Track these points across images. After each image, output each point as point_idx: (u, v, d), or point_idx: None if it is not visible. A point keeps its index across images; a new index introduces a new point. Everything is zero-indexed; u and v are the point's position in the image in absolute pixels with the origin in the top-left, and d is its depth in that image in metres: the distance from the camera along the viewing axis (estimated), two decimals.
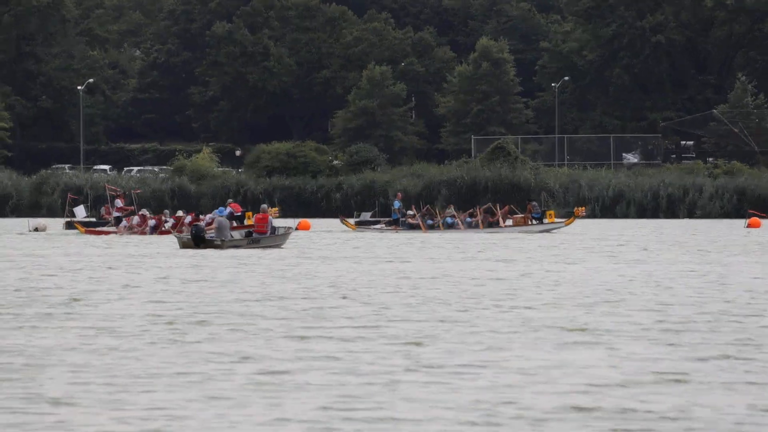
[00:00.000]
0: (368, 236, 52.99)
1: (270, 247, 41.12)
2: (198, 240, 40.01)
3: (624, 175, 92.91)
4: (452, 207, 60.73)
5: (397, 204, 60.21)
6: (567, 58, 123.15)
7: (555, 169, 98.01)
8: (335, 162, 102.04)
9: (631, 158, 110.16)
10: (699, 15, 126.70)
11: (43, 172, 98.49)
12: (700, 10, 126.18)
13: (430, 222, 57.61)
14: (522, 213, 58.56)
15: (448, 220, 57.23)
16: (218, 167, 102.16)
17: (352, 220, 63.85)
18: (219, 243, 40.13)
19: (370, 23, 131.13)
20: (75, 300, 21.66)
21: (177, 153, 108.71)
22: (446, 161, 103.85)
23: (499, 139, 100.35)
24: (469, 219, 57.30)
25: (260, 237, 41.97)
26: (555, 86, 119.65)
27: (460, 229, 56.46)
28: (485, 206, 59.80)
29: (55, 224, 66.41)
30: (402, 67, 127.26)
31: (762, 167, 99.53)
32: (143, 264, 32.48)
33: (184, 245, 40.17)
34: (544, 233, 55.54)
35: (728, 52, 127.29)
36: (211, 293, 23.15)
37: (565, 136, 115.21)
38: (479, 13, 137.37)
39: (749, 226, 65.61)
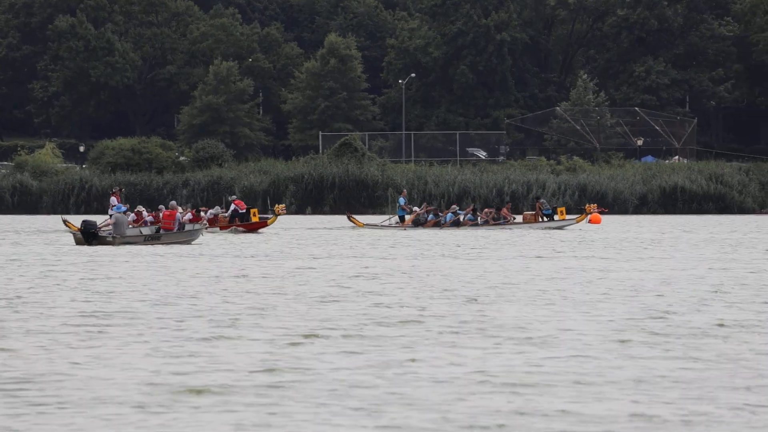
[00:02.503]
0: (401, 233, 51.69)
1: (173, 243, 40.24)
2: (88, 236, 39.16)
3: (469, 172, 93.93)
4: (455, 206, 59.23)
5: (402, 201, 59.12)
6: (413, 55, 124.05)
7: (402, 166, 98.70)
8: (181, 158, 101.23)
9: (479, 154, 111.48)
10: (541, 14, 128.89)
11: None
12: (542, 8, 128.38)
13: (432, 217, 56.64)
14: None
15: (450, 215, 56.34)
16: (62, 163, 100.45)
17: (360, 218, 62.08)
18: (110, 240, 39.35)
19: (216, 19, 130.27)
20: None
21: (19, 149, 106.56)
22: (293, 157, 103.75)
23: (346, 135, 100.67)
24: (471, 216, 56.27)
25: (161, 234, 41.21)
26: (402, 83, 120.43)
27: (465, 225, 55.37)
28: (493, 207, 58.99)
29: None
30: (248, 63, 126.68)
31: (602, 164, 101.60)
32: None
33: (78, 242, 39.39)
34: (557, 230, 54.64)
35: (569, 50, 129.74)
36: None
37: (412, 132, 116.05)
38: (326, 10, 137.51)
39: (590, 222, 66.82)
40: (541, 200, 58.66)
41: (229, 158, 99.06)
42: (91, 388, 12.07)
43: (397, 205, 59.80)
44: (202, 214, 52.39)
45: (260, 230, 53.15)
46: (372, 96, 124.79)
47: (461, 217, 56.11)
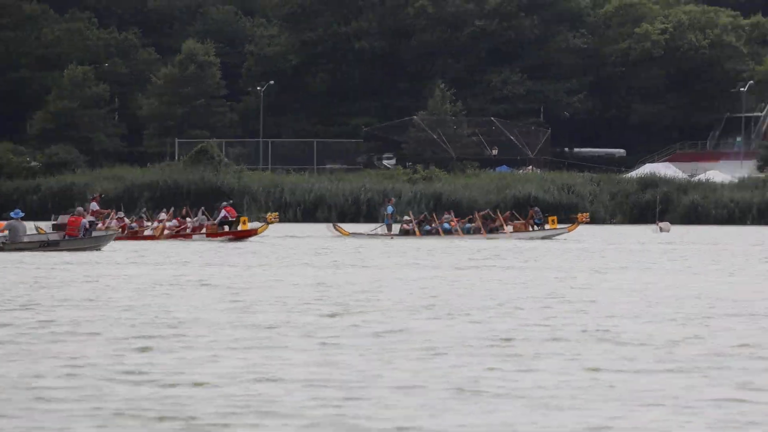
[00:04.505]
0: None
1: (75, 250, 39.77)
2: None
3: (326, 180, 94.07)
4: (451, 213, 58.31)
5: (390, 209, 57.38)
6: (272, 62, 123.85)
7: (258, 173, 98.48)
8: (32, 163, 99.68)
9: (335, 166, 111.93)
10: (401, 22, 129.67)
11: None
12: (402, 17, 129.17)
13: (427, 228, 55.23)
14: (523, 219, 56.57)
15: (446, 225, 55.04)
16: None
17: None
18: (0, 246, 39.33)
19: (71, 23, 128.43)
20: None
21: None
22: (148, 164, 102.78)
23: (203, 142, 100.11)
24: (467, 225, 55.20)
25: (60, 240, 40.88)
26: (260, 90, 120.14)
27: (458, 235, 54.13)
28: (483, 212, 57.79)
29: None
30: (104, 68, 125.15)
31: (458, 173, 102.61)
32: None
33: None
34: (546, 239, 53.57)
35: (427, 59, 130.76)
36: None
37: (269, 140, 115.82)
38: (184, 15, 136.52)
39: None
40: (535, 209, 57.52)
41: (81, 164, 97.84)
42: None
43: (385, 213, 58.24)
44: (188, 219, 52.00)
45: (249, 239, 51.80)
46: (230, 102, 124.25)
47: (458, 228, 55.21)
